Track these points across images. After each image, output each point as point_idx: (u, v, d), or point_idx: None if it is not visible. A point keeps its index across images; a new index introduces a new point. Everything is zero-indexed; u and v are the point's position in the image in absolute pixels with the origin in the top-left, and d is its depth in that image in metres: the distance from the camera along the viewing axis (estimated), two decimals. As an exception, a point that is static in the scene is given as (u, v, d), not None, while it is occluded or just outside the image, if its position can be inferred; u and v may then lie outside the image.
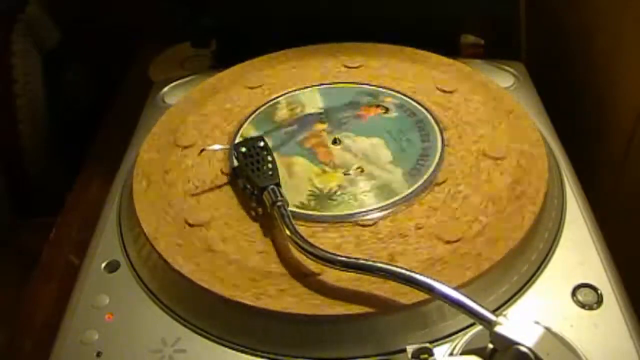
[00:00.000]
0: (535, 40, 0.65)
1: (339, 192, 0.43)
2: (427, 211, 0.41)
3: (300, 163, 0.46)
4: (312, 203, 0.42)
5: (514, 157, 0.45)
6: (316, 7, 0.60)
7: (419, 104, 0.50)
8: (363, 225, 0.41)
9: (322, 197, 0.43)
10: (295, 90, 0.53)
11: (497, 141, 0.46)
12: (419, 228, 0.40)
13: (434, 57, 0.56)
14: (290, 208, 0.40)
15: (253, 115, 0.50)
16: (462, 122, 0.48)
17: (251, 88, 0.53)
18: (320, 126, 0.49)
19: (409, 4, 0.59)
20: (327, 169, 0.45)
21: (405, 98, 0.51)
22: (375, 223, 0.41)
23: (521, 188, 0.42)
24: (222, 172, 0.46)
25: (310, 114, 0.50)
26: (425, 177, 0.43)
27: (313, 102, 0.52)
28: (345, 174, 0.44)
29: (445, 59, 0.56)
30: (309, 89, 0.53)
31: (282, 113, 0.51)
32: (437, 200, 0.42)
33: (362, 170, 0.45)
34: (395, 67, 0.55)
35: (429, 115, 0.49)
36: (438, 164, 0.44)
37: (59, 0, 0.71)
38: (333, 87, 0.53)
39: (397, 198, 0.42)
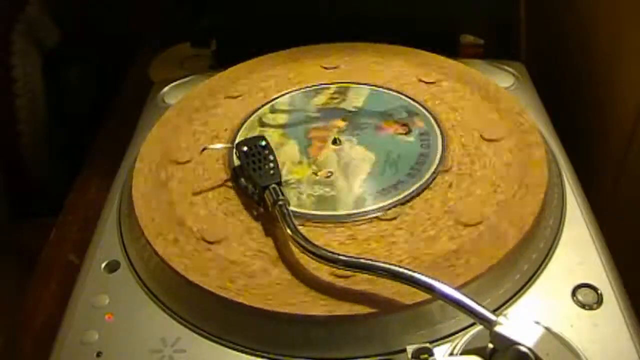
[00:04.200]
0: (535, 40, 0.65)
1: (290, 184, 0.43)
2: (425, 211, 0.41)
3: (291, 146, 0.47)
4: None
5: (513, 157, 0.45)
6: (316, 7, 0.60)
7: (431, 116, 0.49)
8: (366, 224, 0.41)
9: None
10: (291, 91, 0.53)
11: (496, 139, 0.46)
12: (424, 220, 0.40)
13: (433, 57, 0.56)
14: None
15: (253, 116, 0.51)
16: (461, 124, 0.48)
17: (233, 97, 0.53)
18: (339, 123, 0.49)
19: (409, 4, 0.59)
20: (305, 161, 0.45)
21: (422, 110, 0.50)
22: (380, 221, 0.41)
23: (521, 188, 0.42)
24: (223, 172, 0.46)
25: (342, 109, 0.50)
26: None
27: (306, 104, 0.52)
28: (313, 173, 0.44)
29: (440, 58, 0.56)
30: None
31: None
32: (425, 208, 0.42)
33: (329, 177, 0.44)
34: (388, 66, 0.55)
35: (436, 128, 0.48)
36: (436, 169, 0.44)
37: (59, 0, 0.71)
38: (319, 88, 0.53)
39: (399, 197, 0.42)
